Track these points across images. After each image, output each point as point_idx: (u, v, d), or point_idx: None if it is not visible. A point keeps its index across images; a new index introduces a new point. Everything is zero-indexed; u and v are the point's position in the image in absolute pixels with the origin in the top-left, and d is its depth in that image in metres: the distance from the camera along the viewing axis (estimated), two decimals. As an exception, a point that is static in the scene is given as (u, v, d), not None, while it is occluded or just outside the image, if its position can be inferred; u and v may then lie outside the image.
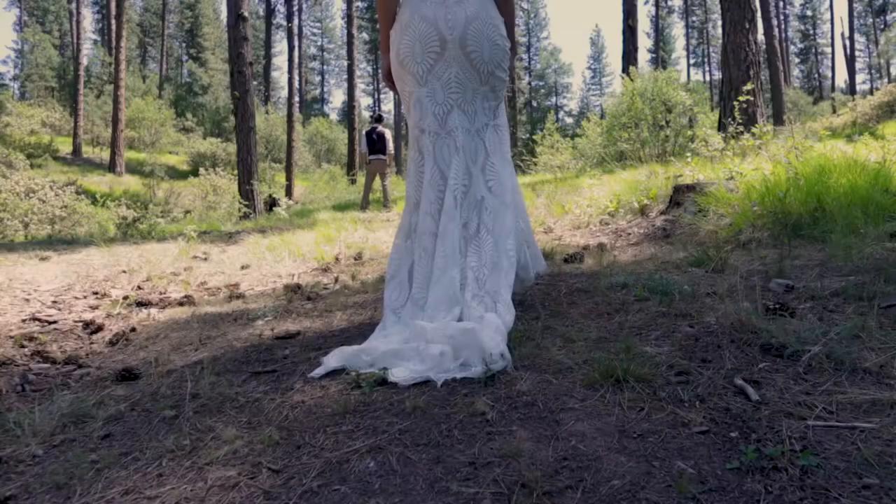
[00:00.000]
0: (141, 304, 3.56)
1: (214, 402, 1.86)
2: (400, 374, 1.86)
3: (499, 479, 1.26)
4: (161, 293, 3.93)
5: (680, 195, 5.02)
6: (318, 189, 27.49)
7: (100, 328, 3.04)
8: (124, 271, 4.67)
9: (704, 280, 2.91)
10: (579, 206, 6.08)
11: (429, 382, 1.83)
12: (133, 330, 2.98)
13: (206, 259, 5.41)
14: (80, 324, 3.13)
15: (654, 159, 12.70)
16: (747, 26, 10.72)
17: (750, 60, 10.61)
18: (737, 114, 8.47)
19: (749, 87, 9.18)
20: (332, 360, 2.02)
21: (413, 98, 2.32)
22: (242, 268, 4.80)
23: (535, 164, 22.12)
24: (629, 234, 4.85)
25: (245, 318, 2.96)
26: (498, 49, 2.31)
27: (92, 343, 2.84)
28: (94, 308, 3.54)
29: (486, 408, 1.60)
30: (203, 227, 10.18)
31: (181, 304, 3.53)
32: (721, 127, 10.17)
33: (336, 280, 3.82)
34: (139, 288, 4.08)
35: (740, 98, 8.70)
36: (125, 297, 3.66)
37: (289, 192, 26.72)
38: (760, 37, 11.64)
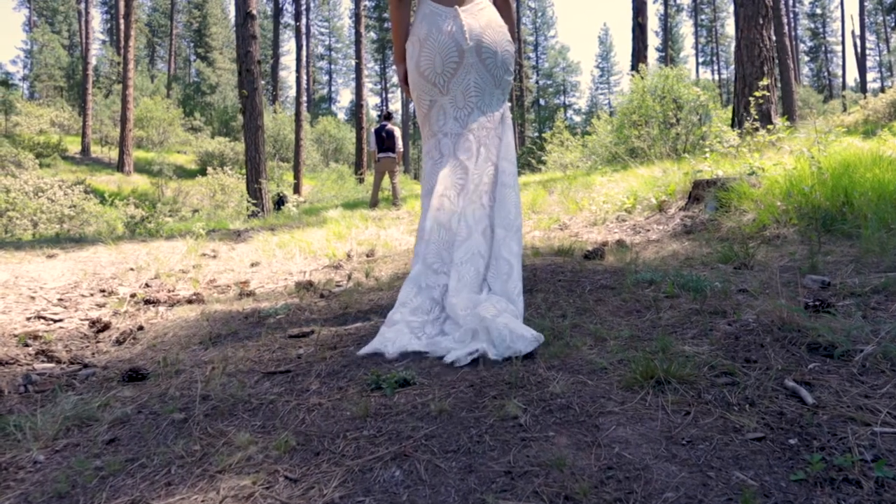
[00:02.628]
0: (149, 301, 3.46)
1: (226, 404, 1.75)
2: (455, 355, 1.91)
3: (539, 490, 1.14)
4: (169, 291, 3.83)
5: (700, 191, 4.89)
6: (326, 188, 27.42)
7: (106, 326, 2.94)
8: (132, 269, 4.58)
9: (734, 276, 2.80)
10: (595, 202, 5.95)
11: (453, 385, 1.72)
12: (141, 328, 2.88)
13: (214, 257, 5.32)
14: (87, 322, 3.03)
15: (665, 157, 12.55)
16: (761, 22, 10.54)
17: (764, 56, 10.44)
18: (752, 109, 8.32)
19: (765, 82, 9.02)
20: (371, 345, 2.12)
21: (436, 106, 2.50)
22: (252, 265, 4.70)
23: (545, 163, 21.96)
24: (648, 230, 4.73)
25: (256, 316, 2.86)
26: (508, 54, 2.51)
27: (98, 342, 2.74)
28: (100, 306, 3.45)
29: (518, 411, 1.49)
30: (211, 225, 10.11)
31: (190, 301, 3.43)
32: (735, 123, 10.03)
33: (349, 277, 3.72)
34: (147, 286, 3.98)
35: (756, 94, 8.55)
36: (132, 295, 3.57)
37: (297, 190, 26.68)
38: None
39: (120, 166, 30.22)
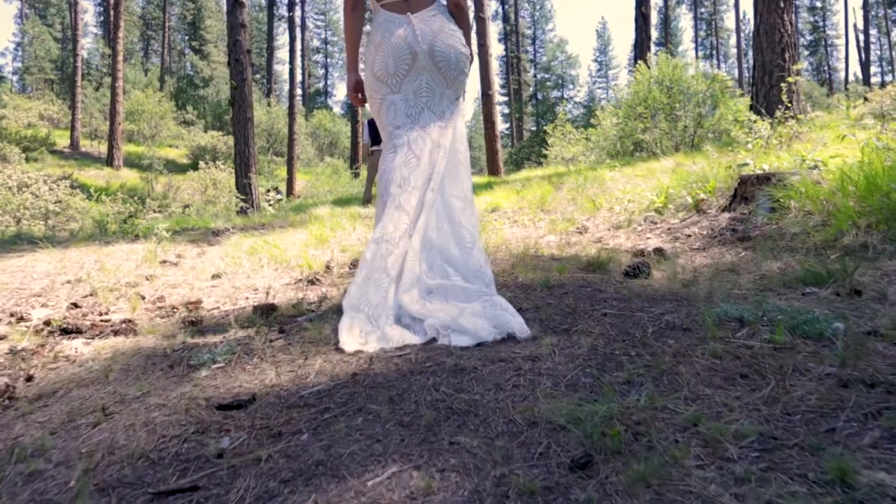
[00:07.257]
0: (66, 331, 2.67)
1: (62, 574, 0.97)
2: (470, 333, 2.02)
3: None
4: (101, 314, 3.04)
5: (748, 188, 4.10)
6: (320, 183, 26.59)
7: (-13, 374, 2.15)
8: (69, 282, 3.79)
9: (847, 308, 2.01)
10: (619, 201, 5.16)
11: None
12: (29, 379, 2.09)
13: (176, 264, 4.53)
14: (-37, 367, 2.24)
15: (672, 150, 11.87)
16: (782, 5, 9.77)
17: (785, 42, 9.65)
18: (784, 96, 7.56)
19: (801, 66, 8.21)
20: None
21: (386, 102, 2.59)
22: (214, 277, 3.90)
23: (546, 157, 21.15)
24: (688, 235, 3.94)
25: (185, 363, 2.05)
26: (462, 56, 2.62)
27: (-39, 402, 1.95)
28: None
29: None
30: (192, 223, 9.29)
31: (116, 332, 2.64)
32: (754, 113, 9.27)
33: (322, 300, 2.92)
34: (74, 306, 3.19)
35: (789, 79, 7.79)
36: (47, 323, 2.78)
37: (290, 185, 25.88)
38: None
39: (109, 160, 29.31)
